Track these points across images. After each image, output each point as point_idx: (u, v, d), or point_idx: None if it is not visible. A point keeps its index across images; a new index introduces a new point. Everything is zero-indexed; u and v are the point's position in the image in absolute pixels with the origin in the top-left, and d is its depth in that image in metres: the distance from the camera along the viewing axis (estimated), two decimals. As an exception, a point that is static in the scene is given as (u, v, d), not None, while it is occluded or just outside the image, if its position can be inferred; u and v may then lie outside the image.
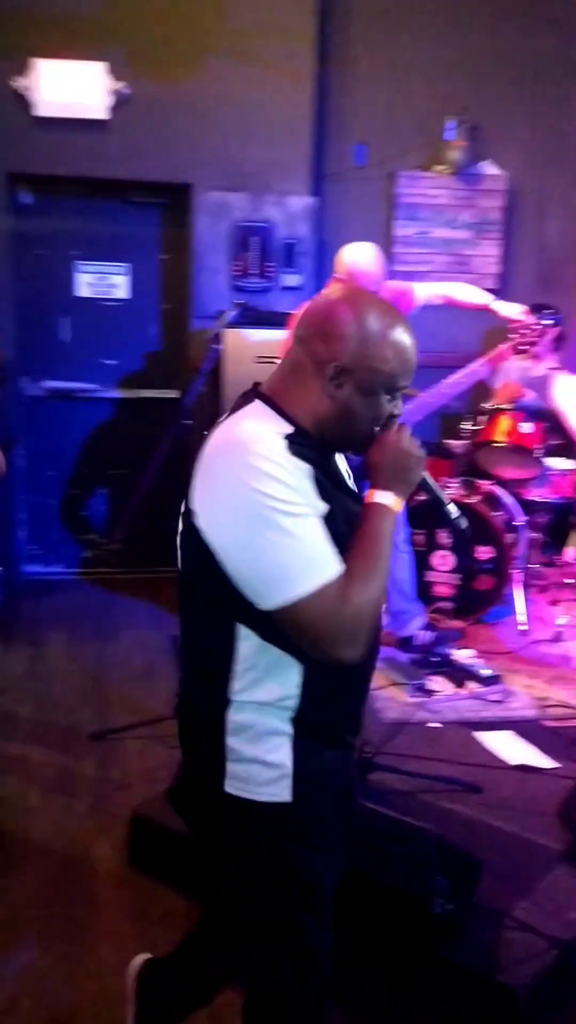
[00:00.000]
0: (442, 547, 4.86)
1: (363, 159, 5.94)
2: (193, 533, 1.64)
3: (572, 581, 5.20)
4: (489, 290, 6.20)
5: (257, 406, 1.70)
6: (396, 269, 6.10)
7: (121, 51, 5.36)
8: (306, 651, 1.61)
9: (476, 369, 4.19)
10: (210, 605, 1.69)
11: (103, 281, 5.78)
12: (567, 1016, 2.51)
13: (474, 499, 4.81)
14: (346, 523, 1.69)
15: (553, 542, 5.64)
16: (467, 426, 5.17)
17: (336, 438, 1.76)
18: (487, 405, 5.20)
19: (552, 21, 5.99)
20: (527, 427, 4.85)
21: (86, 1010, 2.50)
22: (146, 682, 4.33)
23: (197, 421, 4.71)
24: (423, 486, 1.84)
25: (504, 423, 4.87)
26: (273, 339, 5.05)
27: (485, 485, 5.02)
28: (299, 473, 1.60)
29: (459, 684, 4.17)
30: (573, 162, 6.25)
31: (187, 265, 5.71)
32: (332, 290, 1.79)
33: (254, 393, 1.74)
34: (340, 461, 1.91)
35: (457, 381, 4.18)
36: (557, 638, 4.73)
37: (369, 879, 2.45)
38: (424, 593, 4.83)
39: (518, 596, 4.94)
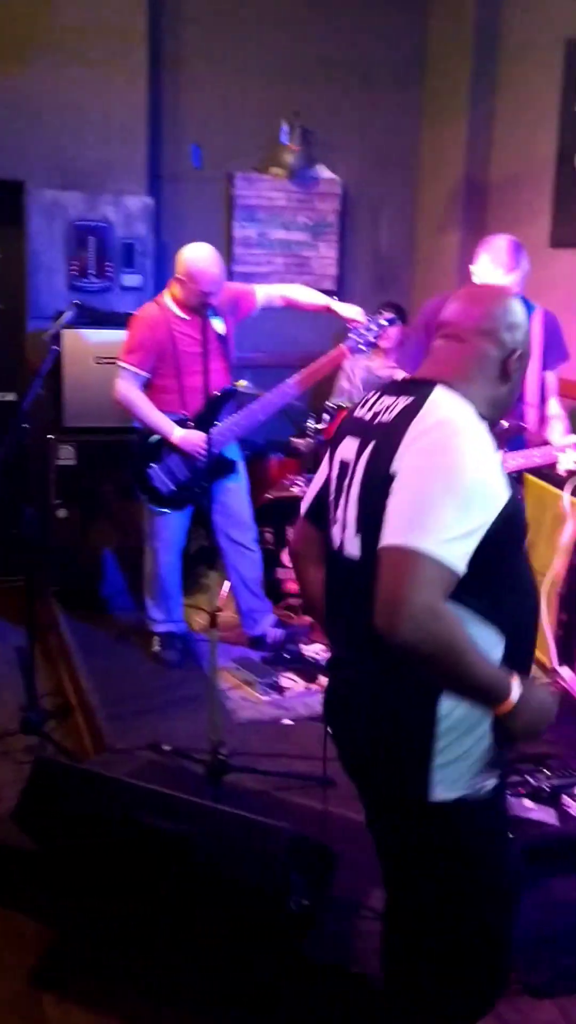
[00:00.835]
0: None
1: (199, 160, 5.94)
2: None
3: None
4: (328, 291, 6.32)
5: (449, 393, 1.77)
6: (236, 270, 6.14)
7: (-54, 45, 5.20)
8: (374, 604, 1.61)
9: (317, 368, 4.26)
10: None
11: None
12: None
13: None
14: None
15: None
16: (312, 424, 5.25)
17: (495, 420, 1.87)
18: (331, 403, 5.29)
19: (380, 30, 6.15)
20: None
21: None
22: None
23: (35, 424, 4.60)
24: None
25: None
26: (113, 340, 4.99)
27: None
28: (498, 462, 1.72)
29: (311, 679, 4.23)
30: (403, 167, 6.43)
31: (22, 265, 5.57)
32: (479, 285, 1.97)
33: (424, 382, 1.82)
34: None
35: (299, 381, 4.24)
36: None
37: (226, 881, 2.46)
38: (274, 590, 4.87)
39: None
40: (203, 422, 4.16)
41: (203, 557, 4.73)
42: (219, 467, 4.16)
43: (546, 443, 3.71)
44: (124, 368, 4.16)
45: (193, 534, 4.61)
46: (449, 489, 1.62)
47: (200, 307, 4.05)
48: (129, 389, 4.15)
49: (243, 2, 5.89)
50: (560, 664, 4.09)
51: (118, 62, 5.48)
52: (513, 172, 5.69)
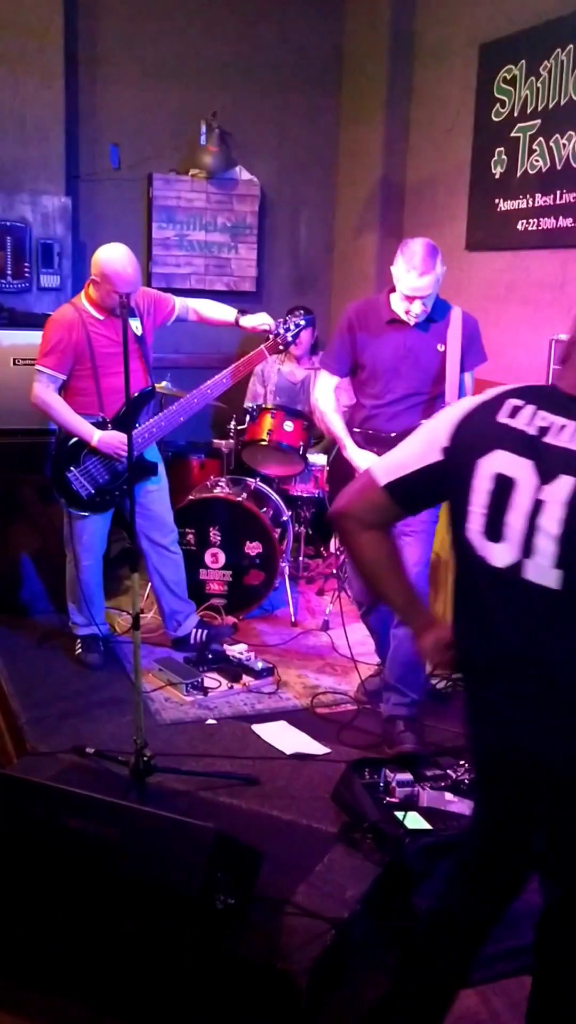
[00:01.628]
0: (212, 544, 4.92)
1: (117, 161, 5.92)
2: None
3: (337, 572, 5.41)
4: (247, 293, 6.37)
5: None
6: (156, 271, 6.14)
7: None
8: None
9: (236, 369, 4.28)
10: None
11: None
12: (346, 993, 2.62)
13: (242, 496, 4.91)
14: None
15: (318, 535, 5.85)
16: (233, 426, 5.27)
17: None
18: (251, 405, 5.32)
19: (298, 33, 6.20)
20: (289, 425, 5.00)
21: None
22: None
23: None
24: None
25: (268, 422, 5.00)
26: (32, 341, 4.92)
27: (252, 483, 5.13)
28: None
29: (234, 679, 4.25)
30: (321, 170, 6.49)
31: None
32: None
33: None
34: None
35: (217, 382, 4.25)
36: (325, 627, 4.91)
37: (152, 881, 2.47)
38: (197, 591, 4.88)
39: (287, 589, 5.09)
40: (122, 424, 4.14)
41: (125, 559, 4.71)
42: (139, 469, 4.15)
43: None
44: (41, 371, 4.11)
45: (114, 536, 4.59)
46: None
47: (116, 308, 4.03)
48: (46, 392, 4.11)
49: (161, 3, 5.89)
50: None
51: (33, 61, 5.43)
52: (429, 175, 5.79)
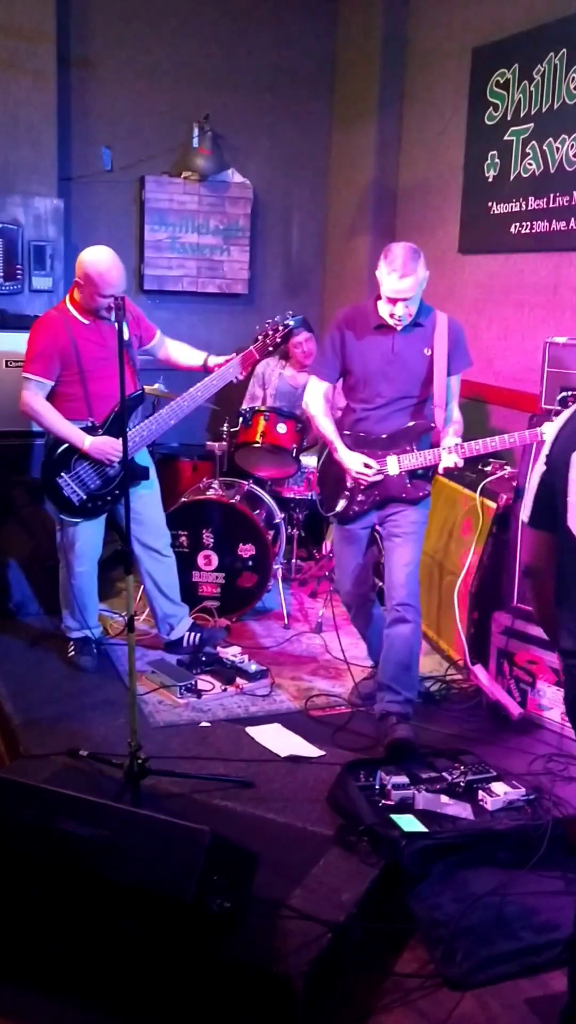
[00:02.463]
0: (205, 547, 4.91)
1: (110, 163, 5.91)
2: None
3: (330, 574, 5.40)
4: (239, 296, 6.37)
5: None
6: (148, 273, 6.13)
7: None
8: None
9: (225, 371, 4.24)
10: None
11: None
12: (341, 996, 2.61)
13: (235, 499, 4.90)
14: None
15: (311, 537, 5.84)
16: (226, 428, 5.26)
17: None
18: (245, 408, 5.32)
19: (291, 36, 6.20)
20: (282, 428, 4.99)
21: None
22: None
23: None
24: None
25: (261, 424, 4.99)
26: (24, 343, 4.92)
27: (245, 485, 5.13)
28: None
29: (228, 682, 4.24)
30: (314, 173, 6.50)
31: None
32: None
33: None
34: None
35: (206, 385, 4.21)
36: (318, 629, 4.90)
37: (144, 885, 2.45)
38: (190, 594, 4.87)
39: (280, 591, 5.08)
40: (113, 428, 4.12)
41: (118, 561, 4.69)
42: (131, 474, 4.12)
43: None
44: (28, 378, 4.07)
45: (107, 538, 4.57)
46: None
47: (101, 310, 4.01)
48: (35, 400, 4.07)
49: (153, 5, 5.89)
50: (473, 662, 4.18)
51: (26, 62, 5.41)
52: (422, 179, 5.80)
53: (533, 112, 4.78)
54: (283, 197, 6.46)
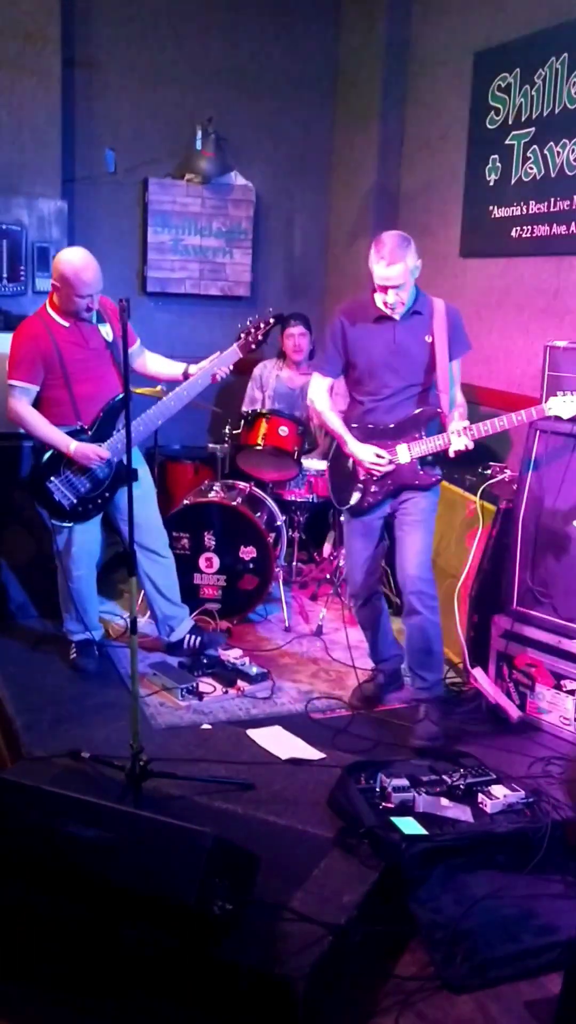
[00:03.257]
0: (207, 549, 4.93)
1: (113, 165, 5.92)
2: None
3: (331, 577, 5.42)
4: (241, 298, 6.38)
5: None
6: (151, 276, 6.15)
7: None
8: None
9: (210, 368, 4.23)
10: None
11: None
12: (341, 998, 2.63)
13: (236, 501, 4.92)
14: None
15: (312, 540, 5.85)
16: (228, 430, 5.28)
17: None
18: (246, 411, 5.32)
19: (294, 39, 6.22)
20: (284, 430, 5.01)
21: None
22: None
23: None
24: None
25: (262, 427, 5.00)
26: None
27: (246, 487, 5.14)
28: None
29: (229, 684, 4.25)
30: (315, 176, 6.51)
31: None
32: None
33: None
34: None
35: (191, 384, 4.20)
36: (319, 632, 4.92)
37: (147, 887, 2.47)
38: (191, 596, 4.89)
39: (281, 594, 5.09)
40: (100, 431, 4.11)
41: (121, 563, 4.70)
42: (121, 475, 4.10)
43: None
44: (13, 385, 4.04)
45: (108, 540, 4.58)
46: None
47: (80, 312, 4.00)
48: (21, 406, 4.04)
49: (157, 8, 5.90)
50: (472, 665, 4.19)
51: (30, 64, 5.43)
52: (424, 182, 5.81)
53: (534, 116, 4.79)
54: (286, 200, 6.48)
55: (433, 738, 3.75)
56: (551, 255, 4.76)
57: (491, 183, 5.14)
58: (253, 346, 4.30)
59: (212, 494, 4.97)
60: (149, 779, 3.20)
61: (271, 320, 4.32)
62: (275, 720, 3.97)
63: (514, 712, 3.98)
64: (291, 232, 6.57)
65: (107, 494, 4.18)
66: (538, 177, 4.79)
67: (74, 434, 4.09)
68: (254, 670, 4.30)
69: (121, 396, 4.12)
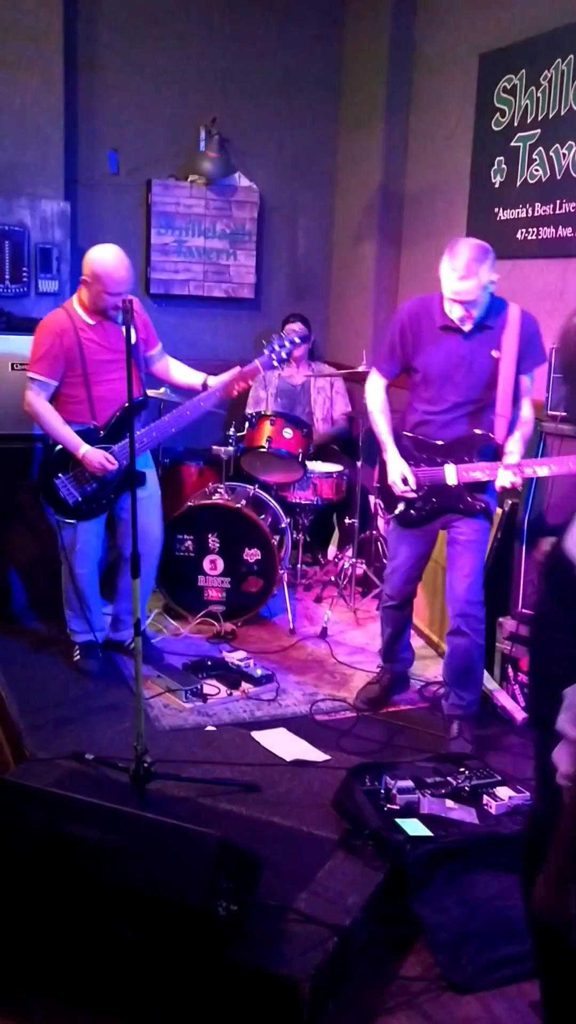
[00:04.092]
0: (211, 551, 4.92)
1: (116, 166, 5.92)
2: None
3: (335, 579, 5.41)
4: (245, 300, 6.38)
5: None
6: (154, 277, 6.14)
7: None
8: None
9: (230, 382, 4.23)
10: None
11: None
12: (346, 999, 2.62)
13: (241, 503, 4.91)
14: None
15: (316, 542, 5.85)
16: (232, 432, 5.27)
17: None
18: (250, 412, 5.32)
19: (298, 40, 6.22)
20: (288, 433, 5.00)
21: None
22: None
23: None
24: None
25: (267, 429, 5.00)
26: (30, 346, 4.93)
27: (251, 489, 5.13)
28: None
29: (233, 686, 4.24)
30: (320, 177, 6.51)
31: None
32: None
33: None
34: None
35: (209, 395, 4.21)
36: (323, 634, 4.91)
37: (152, 889, 2.46)
38: (195, 598, 4.88)
39: (285, 596, 5.09)
40: (113, 433, 4.12)
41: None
42: (128, 478, 4.09)
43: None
44: (32, 379, 4.05)
45: (109, 542, 4.57)
46: None
47: (108, 310, 3.99)
48: (38, 401, 4.05)
49: (160, 8, 5.90)
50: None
51: (33, 65, 5.43)
52: (428, 184, 5.80)
53: (540, 118, 4.78)
54: (290, 201, 6.47)
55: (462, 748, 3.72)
56: (557, 257, 4.75)
57: (496, 185, 5.13)
58: (275, 364, 4.29)
59: (216, 496, 4.96)
60: (153, 781, 3.20)
61: (296, 340, 4.33)
62: (280, 722, 3.97)
63: (519, 714, 3.97)
64: (295, 233, 6.56)
65: (112, 495, 4.17)
66: (544, 179, 4.78)
67: (87, 433, 4.09)
68: (258, 672, 4.29)
69: (137, 400, 4.12)
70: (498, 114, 5.08)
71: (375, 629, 4.58)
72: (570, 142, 4.58)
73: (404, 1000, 2.62)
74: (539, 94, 4.77)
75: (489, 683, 4.09)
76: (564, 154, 4.63)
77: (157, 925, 2.49)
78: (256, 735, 3.82)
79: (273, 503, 5.22)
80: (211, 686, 4.21)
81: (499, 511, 4.26)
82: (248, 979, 2.50)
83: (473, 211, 5.35)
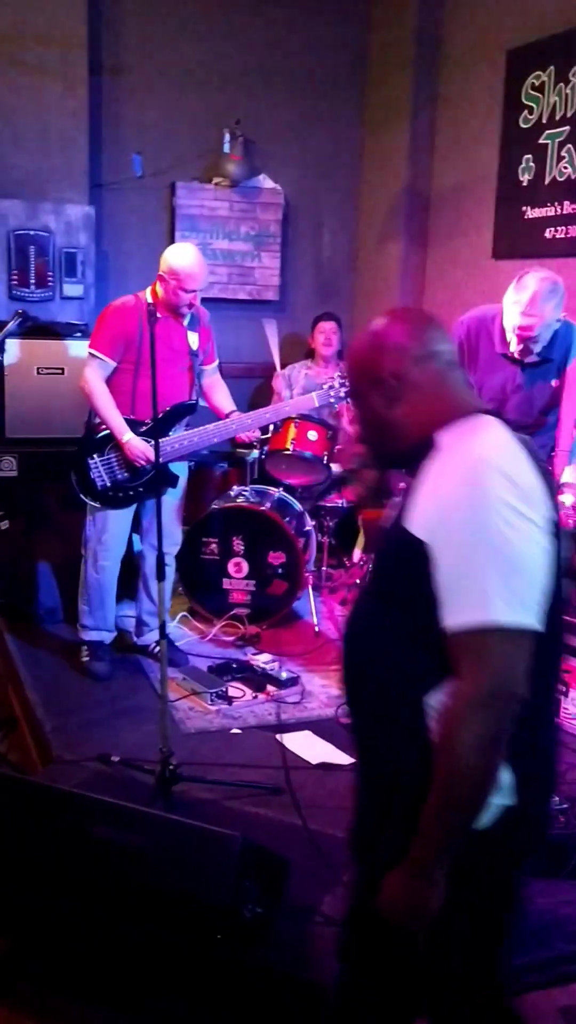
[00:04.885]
0: (236, 554, 4.90)
1: (140, 169, 5.92)
2: None
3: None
4: (270, 302, 6.37)
5: None
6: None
7: None
8: None
9: (281, 409, 4.40)
10: None
11: None
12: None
13: (265, 506, 4.89)
14: None
15: (342, 545, 5.81)
16: (256, 435, 5.24)
17: None
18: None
19: (322, 40, 6.19)
20: (313, 435, 4.97)
21: None
22: None
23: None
24: None
25: (291, 431, 4.97)
26: (56, 350, 4.94)
27: (276, 492, 5.11)
28: None
29: (259, 688, 4.21)
30: (343, 178, 6.48)
31: (-38, 274, 5.50)
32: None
33: None
34: None
35: (259, 416, 4.42)
36: (349, 638, 4.86)
37: (178, 891, 2.44)
38: (220, 601, 4.86)
39: (311, 599, 5.05)
40: (155, 430, 4.11)
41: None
42: (160, 478, 4.10)
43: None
44: (93, 355, 4.08)
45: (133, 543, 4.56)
46: None
47: (182, 307, 4.05)
48: (96, 379, 4.07)
49: (184, 10, 5.90)
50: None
51: (57, 69, 5.44)
52: (455, 183, 5.77)
53: (569, 115, 4.74)
54: (314, 202, 6.45)
55: None
56: (585, 255, 4.71)
57: (524, 183, 5.08)
58: (331, 401, 4.49)
59: (240, 499, 4.94)
60: (179, 783, 3.18)
61: (341, 395, 4.49)
62: (305, 725, 3.94)
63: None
64: (320, 235, 6.54)
65: (141, 489, 4.17)
66: (572, 177, 4.74)
67: (129, 425, 4.10)
68: (284, 675, 4.27)
69: (188, 403, 4.22)
70: (526, 111, 5.04)
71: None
72: (598, 138, 4.53)
73: (433, 1006, 2.58)
74: (568, 90, 4.73)
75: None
76: (592, 151, 4.58)
77: (184, 927, 2.47)
78: (281, 738, 3.79)
79: (298, 506, 5.19)
80: (236, 689, 4.19)
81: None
82: (274, 982, 2.47)
83: (501, 210, 5.31)
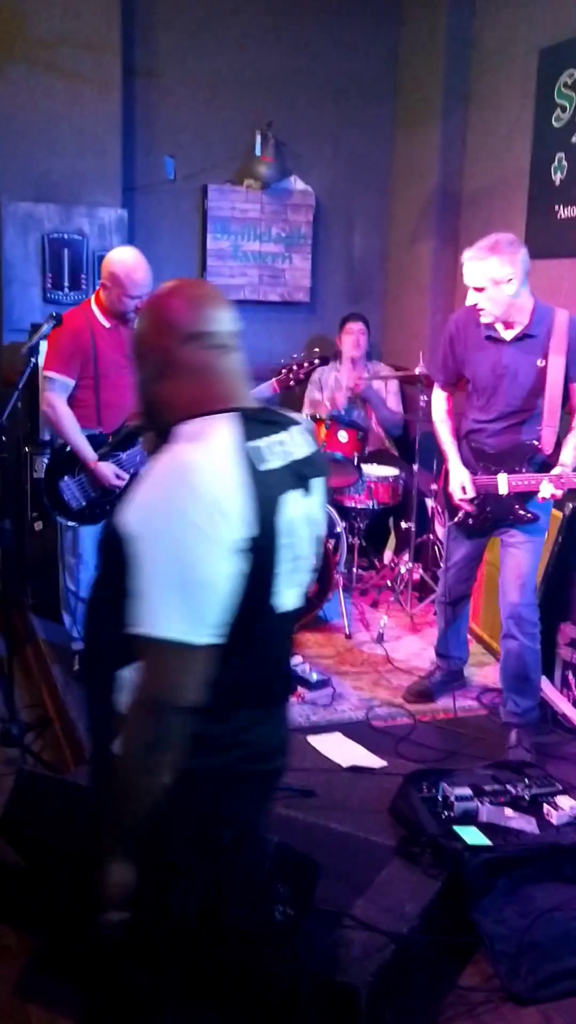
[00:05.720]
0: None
1: (173, 172, 5.95)
2: None
3: (391, 583, 5.37)
4: (301, 303, 6.37)
5: None
6: (212, 282, 6.15)
7: None
8: None
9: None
10: None
11: None
12: (405, 1008, 2.59)
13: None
14: None
15: (372, 547, 5.81)
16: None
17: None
18: (306, 415, 5.30)
19: (353, 41, 6.19)
20: (343, 436, 4.98)
21: None
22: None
23: (11, 437, 4.57)
24: None
25: (321, 433, 4.98)
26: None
27: (306, 493, 5.10)
28: None
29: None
30: (375, 180, 6.47)
31: (-3, 277, 5.56)
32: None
33: None
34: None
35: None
36: (380, 639, 4.87)
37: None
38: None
39: (341, 601, 5.06)
40: (122, 441, 4.08)
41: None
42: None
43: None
44: (52, 378, 3.99)
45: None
46: None
47: (127, 313, 3.96)
48: (59, 402, 4.00)
49: (216, 14, 5.92)
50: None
51: (91, 74, 5.49)
52: (486, 183, 5.74)
53: (600, 114, 4.71)
54: (345, 204, 6.45)
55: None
56: (617, 255, 4.67)
57: (557, 183, 5.05)
58: (291, 383, 4.28)
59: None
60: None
61: (315, 361, 4.32)
62: (336, 727, 3.94)
63: (580, 721, 3.90)
64: (351, 236, 6.54)
65: (116, 502, 4.17)
66: (604, 176, 4.70)
67: (94, 438, 4.07)
68: (315, 677, 4.27)
69: None
70: (559, 110, 5.01)
71: (432, 634, 4.54)
72: (631, 138, 4.50)
73: (463, 1010, 2.58)
74: (600, 90, 4.70)
75: (549, 691, 4.02)
76: (625, 150, 4.55)
77: (214, 927, 2.48)
78: (312, 740, 3.80)
79: (328, 507, 5.19)
80: (267, 690, 4.19)
81: (560, 514, 4.19)
82: (305, 985, 2.48)
83: (532, 209, 5.28)
